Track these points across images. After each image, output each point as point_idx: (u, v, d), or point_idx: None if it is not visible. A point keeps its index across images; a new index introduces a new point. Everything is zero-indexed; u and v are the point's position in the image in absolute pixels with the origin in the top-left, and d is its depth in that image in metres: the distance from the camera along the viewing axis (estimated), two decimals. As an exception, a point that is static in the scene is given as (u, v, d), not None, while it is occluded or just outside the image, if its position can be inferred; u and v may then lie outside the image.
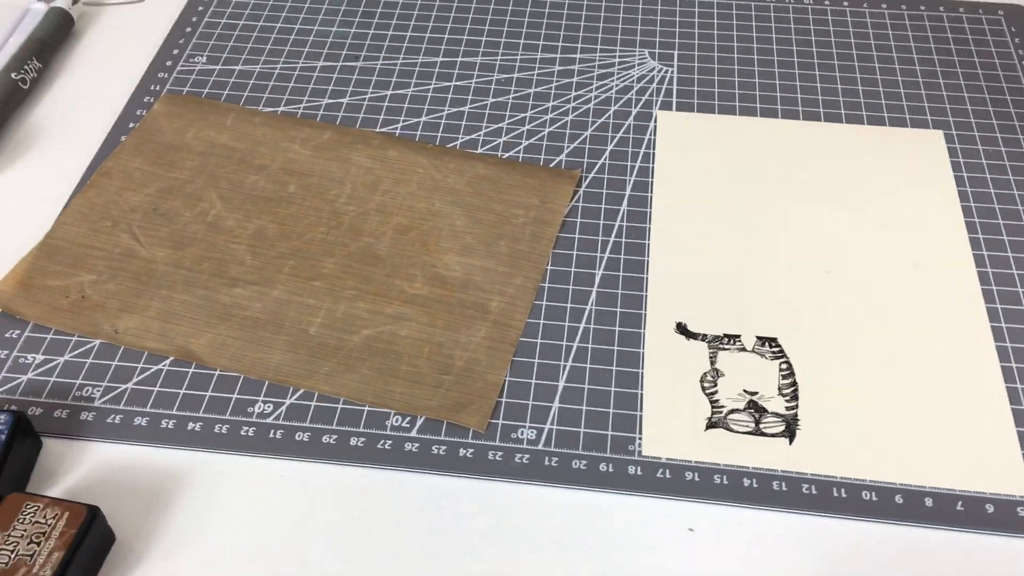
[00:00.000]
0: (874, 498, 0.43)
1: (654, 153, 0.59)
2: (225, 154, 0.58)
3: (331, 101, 0.61)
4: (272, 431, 0.45)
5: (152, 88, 0.62)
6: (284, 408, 0.46)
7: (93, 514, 0.40)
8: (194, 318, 0.49)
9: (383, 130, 0.60)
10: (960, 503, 0.43)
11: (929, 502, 0.43)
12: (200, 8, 0.68)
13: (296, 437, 0.45)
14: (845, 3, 0.69)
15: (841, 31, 0.67)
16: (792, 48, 0.65)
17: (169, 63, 0.64)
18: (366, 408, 0.46)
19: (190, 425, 0.45)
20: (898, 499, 0.43)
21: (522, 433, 0.46)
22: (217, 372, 0.47)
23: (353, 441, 0.45)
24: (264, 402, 0.46)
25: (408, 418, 0.46)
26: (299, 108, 0.61)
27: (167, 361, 0.48)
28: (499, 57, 0.65)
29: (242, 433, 0.45)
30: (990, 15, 0.68)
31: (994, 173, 0.57)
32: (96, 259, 0.52)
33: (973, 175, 0.57)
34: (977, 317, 0.50)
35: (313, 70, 0.64)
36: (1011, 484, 0.44)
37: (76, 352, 0.48)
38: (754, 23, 0.67)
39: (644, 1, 0.69)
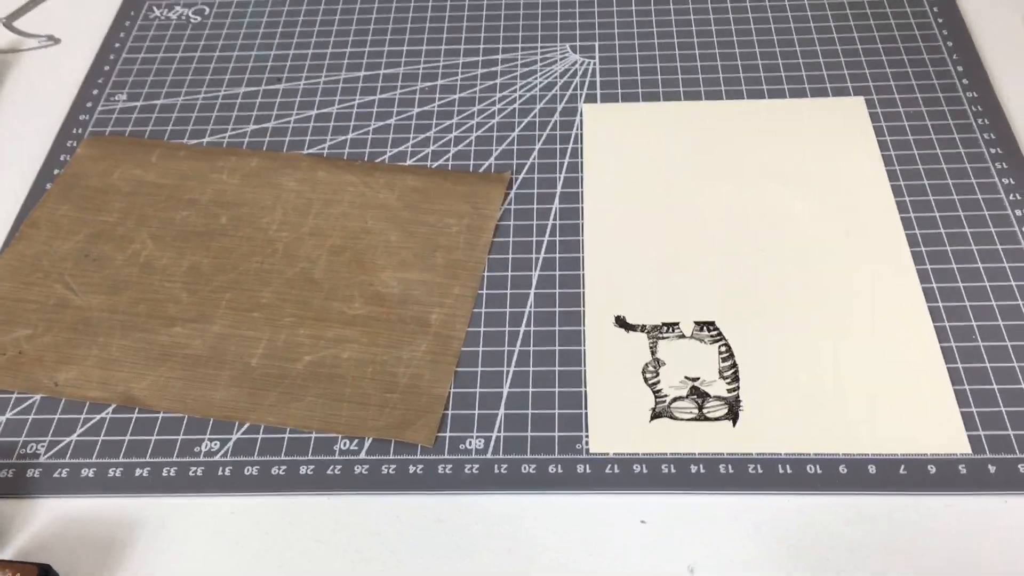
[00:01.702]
0: (819, 471, 0.44)
1: (582, 148, 0.59)
2: (153, 192, 0.57)
3: (256, 127, 0.61)
4: (221, 468, 0.45)
5: (74, 131, 0.62)
6: (231, 444, 0.46)
7: (45, 572, 0.40)
8: (134, 363, 0.49)
9: (311, 151, 0.60)
10: (903, 467, 0.44)
11: (872, 469, 0.44)
12: (117, 45, 0.68)
13: (245, 472, 0.45)
14: (760, -23, 0.70)
15: (758, 6, 0.67)
16: (711, 28, 0.66)
17: (90, 104, 0.64)
18: (313, 435, 0.46)
19: (138, 471, 0.45)
20: (842, 469, 0.44)
21: (470, 443, 0.46)
22: (161, 414, 0.47)
23: (303, 470, 0.45)
24: (211, 440, 0.46)
25: (356, 441, 0.46)
26: (224, 137, 0.61)
27: (110, 409, 0.48)
28: (421, 65, 0.65)
29: (191, 474, 0.45)
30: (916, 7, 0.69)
31: (916, 134, 0.58)
32: (30, 312, 0.52)
33: (896, 138, 0.58)
34: (909, 279, 0.51)
35: (236, 97, 0.63)
36: (951, 443, 0.44)
37: (17, 409, 0.48)
38: (672, 6, 0.68)
39: (562, -6, 0.70)
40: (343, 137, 0.60)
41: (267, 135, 0.61)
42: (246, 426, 0.47)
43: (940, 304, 0.50)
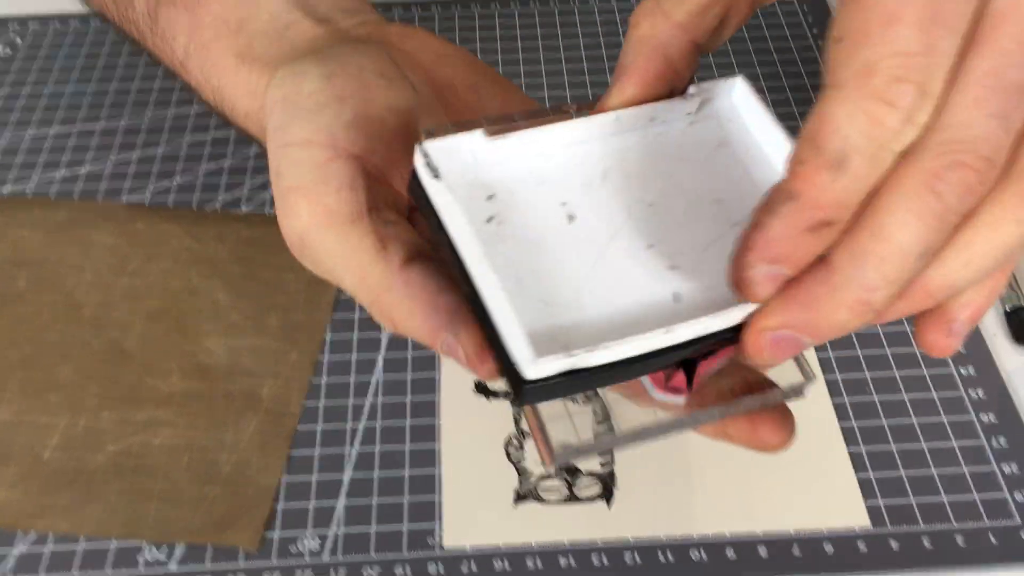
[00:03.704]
0: (704, 557, 0.38)
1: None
2: (-63, 252, 0.49)
3: (67, 173, 0.53)
4: (-5, 593, 0.37)
5: None
6: (12, 560, 0.38)
7: None
8: None
9: (130, 199, 0.52)
10: (796, 547, 0.39)
11: (763, 551, 0.39)
12: (-91, 80, 0.59)
13: (26, 595, 0.37)
14: (633, -1, 0.65)
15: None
16: (573, 41, 0.61)
17: None
18: (113, 543, 0.39)
19: None
20: (730, 553, 0.39)
21: (303, 544, 0.39)
22: (-75, 527, 0.39)
23: (98, 588, 0.38)
24: (-15, 556, 0.38)
25: (165, 547, 0.39)
26: (29, 185, 0.53)
27: None
28: (262, 99, 0.58)
29: (-44, 602, 0.37)
30: (786, 6, 0.65)
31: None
32: None
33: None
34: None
35: (45, 139, 0.55)
36: (849, 516, 0.39)
37: None
38: (519, 27, 0.63)
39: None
40: (168, 182, 0.53)
41: (80, 181, 0.53)
42: (31, 536, 0.39)
43: (830, 354, 0.45)
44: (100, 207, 0.51)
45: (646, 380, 0.27)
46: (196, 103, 0.57)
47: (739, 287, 0.23)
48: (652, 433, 0.28)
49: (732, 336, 0.24)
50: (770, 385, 0.28)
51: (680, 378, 0.26)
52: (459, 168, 0.26)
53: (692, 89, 0.28)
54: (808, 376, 0.28)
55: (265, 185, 0.53)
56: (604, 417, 0.30)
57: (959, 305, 0.25)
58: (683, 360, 0.25)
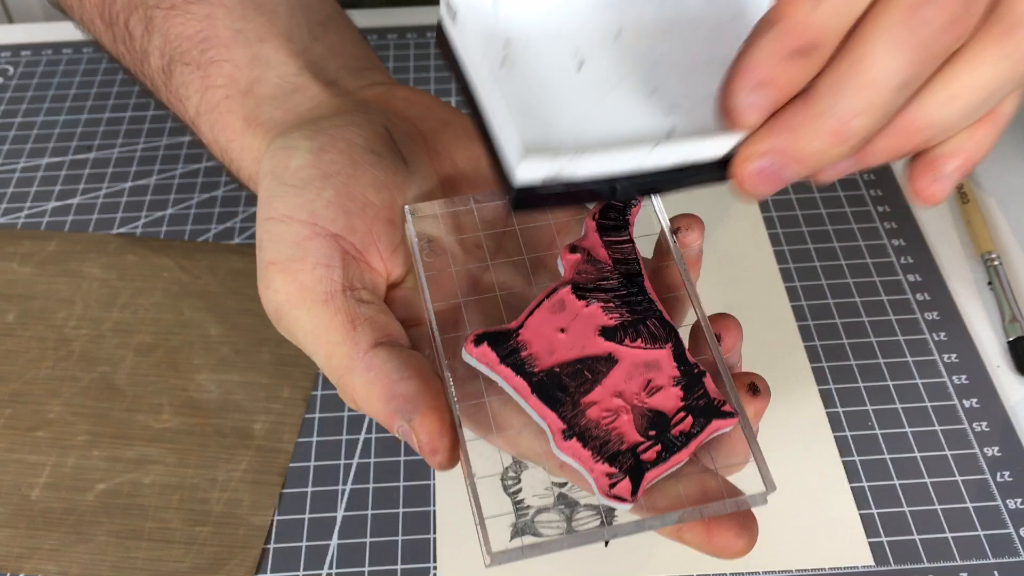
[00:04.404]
0: (704, 597, 0.38)
1: (434, 218, 0.52)
2: (-75, 286, 0.48)
3: (58, 204, 0.53)
4: (-21, 639, 0.37)
5: None
6: (-3, 604, 0.38)
7: None
8: None
9: (121, 231, 0.51)
10: (799, 586, 0.38)
11: (765, 591, 0.38)
12: (-100, 111, 0.59)
13: (11, 641, 0.37)
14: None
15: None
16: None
17: None
18: (102, 586, 0.38)
19: None
20: (731, 593, 0.38)
21: (295, 586, 0.38)
22: (-90, 571, 0.38)
23: (85, 633, 0.37)
24: (-30, 601, 0.38)
25: (154, 590, 0.38)
26: (19, 217, 0.52)
27: None
28: (256, 128, 0.57)
29: (-60, 648, 0.36)
30: None
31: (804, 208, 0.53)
32: None
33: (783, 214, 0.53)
34: (797, 357, 0.45)
35: (37, 169, 0.55)
36: (852, 555, 0.39)
37: None
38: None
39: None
40: (161, 213, 0.52)
41: (71, 213, 0.52)
42: (19, 578, 0.38)
43: (832, 386, 0.44)
44: (91, 239, 0.51)
45: (590, 480, 0.27)
46: (189, 134, 0.57)
47: (726, 114, 0.24)
48: (599, 535, 0.28)
49: (718, 173, 0.25)
50: (731, 492, 0.28)
51: (624, 486, 0.27)
52: (480, 17, 0.27)
53: None
54: (769, 485, 0.28)
55: (258, 215, 0.52)
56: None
57: (947, 151, 0.25)
58: (631, 465, 0.26)
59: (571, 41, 0.28)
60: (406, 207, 0.31)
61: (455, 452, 0.28)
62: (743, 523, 0.27)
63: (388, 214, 0.31)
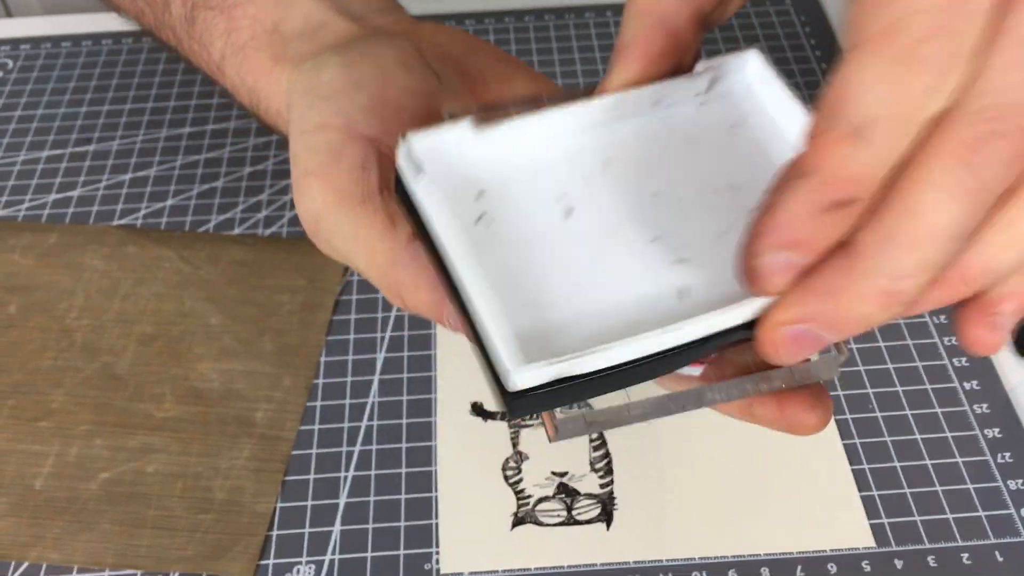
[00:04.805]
0: (706, 580, 0.38)
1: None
2: (-73, 279, 0.49)
3: (59, 196, 0.53)
4: (-15, 627, 0.37)
5: None
6: (2, 592, 0.38)
7: None
8: None
9: (121, 222, 0.52)
10: (800, 568, 0.38)
11: (766, 573, 0.38)
12: (-100, 105, 0.59)
13: (16, 629, 0.37)
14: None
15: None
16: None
17: None
18: (106, 573, 0.38)
19: None
20: (732, 575, 0.38)
21: (298, 572, 0.38)
22: (-85, 560, 0.39)
23: (90, 620, 0.37)
24: (-25, 589, 0.38)
25: (158, 577, 0.38)
26: (20, 210, 0.52)
27: None
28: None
29: (-54, 636, 0.37)
30: (777, 5, 0.65)
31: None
32: None
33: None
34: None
35: (37, 161, 0.55)
36: (853, 536, 0.39)
37: None
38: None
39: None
40: (161, 204, 0.52)
41: (71, 205, 0.52)
42: (24, 567, 0.38)
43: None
44: (91, 230, 0.51)
45: None
46: (189, 125, 0.57)
47: (749, 278, 0.21)
48: (667, 408, 0.25)
49: (745, 334, 0.22)
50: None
51: None
52: (446, 164, 0.24)
53: (700, 66, 0.26)
54: (842, 350, 0.25)
55: (258, 206, 0.52)
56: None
57: (1002, 295, 0.22)
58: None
59: (553, 180, 0.25)
60: (446, 111, 0.29)
61: None
62: (816, 396, 0.25)
63: (423, 119, 0.30)
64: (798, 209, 0.19)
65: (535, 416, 0.43)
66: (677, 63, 0.26)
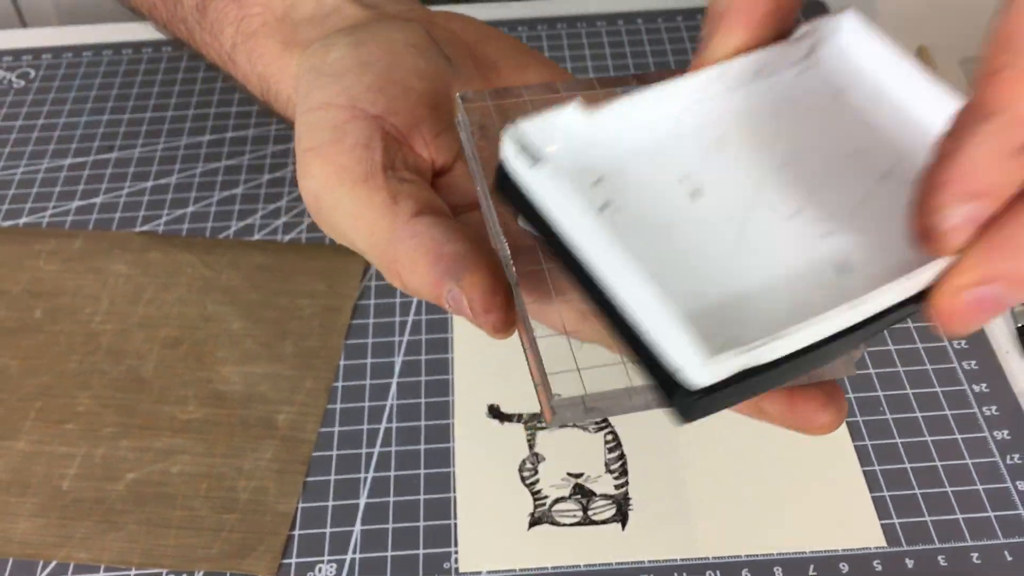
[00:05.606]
0: (720, 578, 0.39)
1: (450, 212, 0.53)
2: (-45, 284, 0.50)
3: (82, 203, 0.54)
4: (16, 624, 0.38)
5: None
6: (32, 590, 0.39)
7: None
8: (-83, 495, 0.41)
9: (144, 228, 0.53)
10: (812, 567, 0.39)
11: (779, 572, 0.39)
12: (-74, 114, 0.60)
13: (47, 626, 0.38)
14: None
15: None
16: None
17: None
18: (132, 572, 0.39)
19: (-88, 635, 0.38)
20: (745, 574, 0.39)
21: (320, 570, 0.39)
22: (-53, 559, 0.40)
23: (118, 618, 0.38)
24: (7, 587, 0.39)
25: (184, 576, 0.39)
26: (44, 216, 0.53)
27: None
28: (274, 126, 0.58)
29: (-21, 633, 0.38)
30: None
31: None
32: None
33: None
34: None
35: (60, 169, 0.56)
36: (864, 536, 0.40)
37: None
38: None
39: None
40: (182, 211, 0.53)
41: (95, 212, 0.54)
42: (52, 566, 0.39)
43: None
44: (115, 236, 0.52)
45: None
46: (209, 133, 0.58)
47: (927, 238, 0.19)
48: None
49: (912, 308, 0.21)
50: None
51: None
52: (557, 152, 0.22)
53: (799, 31, 0.24)
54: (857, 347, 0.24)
55: (277, 212, 0.53)
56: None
57: None
58: None
59: (671, 162, 0.23)
60: (457, 94, 0.28)
61: (510, 313, 0.25)
62: (829, 393, 0.24)
63: (432, 100, 0.29)
64: (983, 154, 0.18)
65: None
66: (780, 28, 0.24)
